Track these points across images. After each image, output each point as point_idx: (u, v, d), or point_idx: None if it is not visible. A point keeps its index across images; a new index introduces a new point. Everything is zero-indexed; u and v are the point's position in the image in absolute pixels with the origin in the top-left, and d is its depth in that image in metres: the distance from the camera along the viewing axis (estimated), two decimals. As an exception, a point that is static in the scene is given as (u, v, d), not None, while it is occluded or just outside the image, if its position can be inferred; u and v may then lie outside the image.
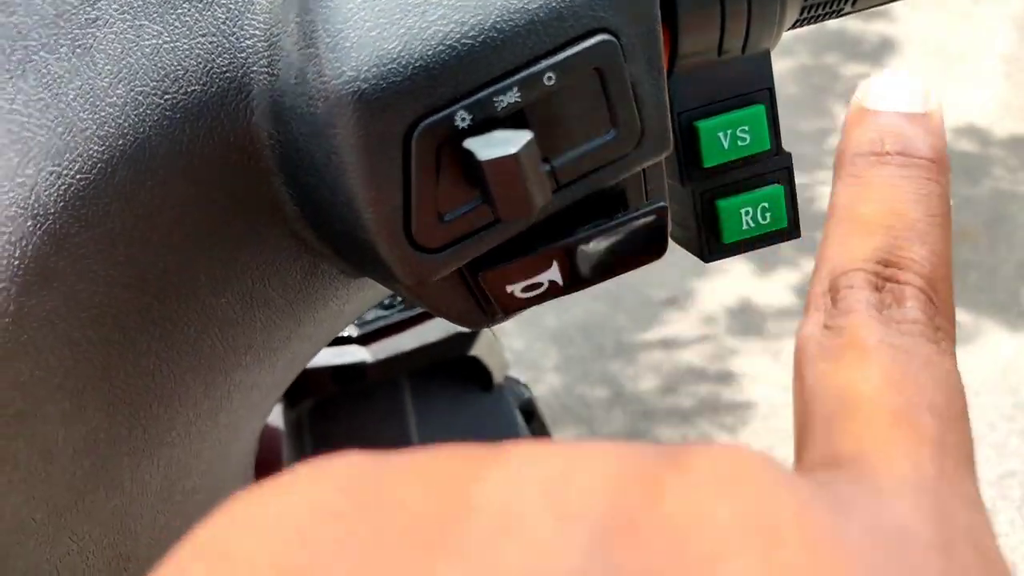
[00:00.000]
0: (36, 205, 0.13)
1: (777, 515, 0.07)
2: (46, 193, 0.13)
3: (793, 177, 0.19)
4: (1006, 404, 1.29)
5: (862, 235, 0.11)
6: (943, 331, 0.10)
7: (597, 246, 0.15)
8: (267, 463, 0.27)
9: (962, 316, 1.41)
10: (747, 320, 1.49)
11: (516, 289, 0.15)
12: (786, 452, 1.26)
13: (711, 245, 0.19)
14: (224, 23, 0.14)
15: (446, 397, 0.39)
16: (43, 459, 0.14)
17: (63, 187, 0.13)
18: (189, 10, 0.14)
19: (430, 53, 0.12)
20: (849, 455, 0.09)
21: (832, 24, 1.89)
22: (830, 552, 0.06)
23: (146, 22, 0.14)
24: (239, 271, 0.15)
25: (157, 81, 0.14)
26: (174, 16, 0.14)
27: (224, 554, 0.07)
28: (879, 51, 2.03)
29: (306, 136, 0.14)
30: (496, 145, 0.12)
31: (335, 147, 0.13)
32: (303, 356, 0.20)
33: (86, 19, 0.14)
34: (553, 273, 0.15)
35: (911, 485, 0.08)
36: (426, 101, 0.13)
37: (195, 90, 0.14)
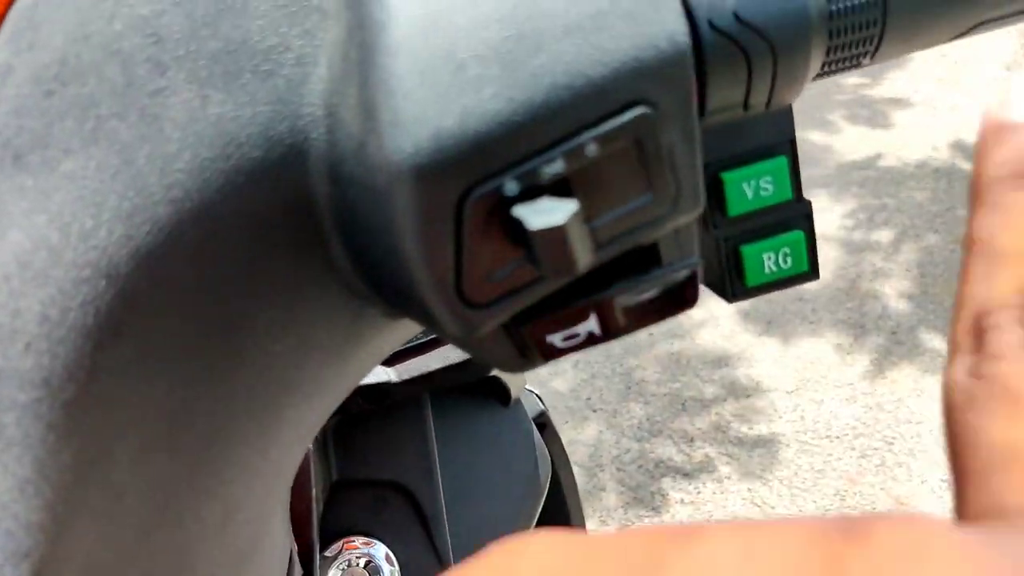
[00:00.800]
0: (109, 266, 0.14)
1: None
2: (118, 255, 0.14)
3: (813, 223, 0.20)
4: None
5: (1007, 269, 0.10)
6: None
7: (632, 299, 0.16)
8: (296, 479, 0.27)
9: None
10: (756, 317, 1.49)
11: (556, 339, 0.16)
12: (791, 452, 1.26)
13: (735, 288, 0.20)
14: (284, 92, 0.15)
15: (466, 413, 0.40)
16: (113, 502, 0.15)
17: (134, 248, 0.14)
18: (251, 80, 0.15)
19: (483, 128, 0.13)
20: (1015, 507, 0.08)
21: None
22: None
23: (211, 91, 0.15)
24: (295, 320, 0.16)
25: (221, 147, 0.15)
26: (237, 86, 0.15)
27: None
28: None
29: (364, 201, 0.14)
30: (544, 214, 0.13)
31: (393, 213, 0.14)
32: (345, 390, 0.20)
33: (154, 88, 0.14)
34: (591, 324, 0.16)
35: None
36: (478, 172, 0.13)
37: (257, 155, 0.15)
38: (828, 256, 1.60)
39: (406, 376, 0.36)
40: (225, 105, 0.14)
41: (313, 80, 0.15)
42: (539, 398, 0.48)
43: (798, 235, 0.19)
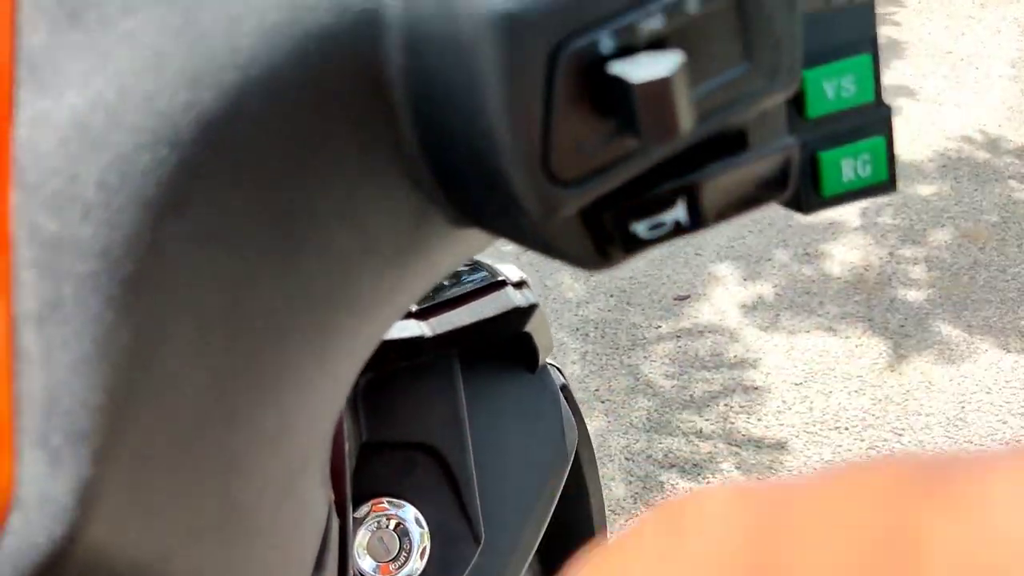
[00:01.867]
0: (172, 133, 0.13)
1: None
2: (182, 121, 0.13)
3: (892, 129, 0.19)
4: (1018, 399, 1.30)
5: None
6: None
7: (724, 183, 0.15)
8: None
9: (963, 329, 1.41)
10: (760, 315, 1.48)
11: (641, 228, 0.15)
12: (800, 444, 1.25)
13: (810, 198, 0.18)
14: None
15: (494, 376, 0.39)
16: (171, 390, 0.14)
17: (198, 115, 0.13)
18: None
19: None
20: None
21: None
22: None
23: None
24: (357, 208, 0.15)
25: (290, 10, 0.13)
26: None
27: None
28: (885, 55, 2.03)
29: (444, 64, 0.13)
30: (647, 67, 0.12)
31: (477, 71, 0.13)
32: (397, 311, 0.19)
33: None
34: (679, 212, 0.15)
35: None
36: (573, 23, 0.12)
37: (327, 20, 0.14)
38: (835, 249, 1.60)
39: (439, 330, 0.35)
40: None
41: None
42: (560, 371, 0.47)
43: (879, 141, 0.18)
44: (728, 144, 0.15)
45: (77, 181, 0.12)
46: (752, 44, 0.14)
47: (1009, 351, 1.35)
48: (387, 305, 0.18)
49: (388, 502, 0.34)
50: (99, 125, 0.13)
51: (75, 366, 0.12)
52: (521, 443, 0.39)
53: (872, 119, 0.18)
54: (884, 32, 2.01)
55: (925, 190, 1.71)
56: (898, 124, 1.87)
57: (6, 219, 0.12)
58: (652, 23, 0.13)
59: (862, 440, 1.27)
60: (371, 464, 0.35)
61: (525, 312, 0.37)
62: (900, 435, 1.27)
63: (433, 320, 0.35)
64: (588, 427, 0.47)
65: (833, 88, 0.18)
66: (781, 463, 1.24)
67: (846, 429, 1.29)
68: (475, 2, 0.12)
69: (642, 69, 0.12)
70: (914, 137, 1.82)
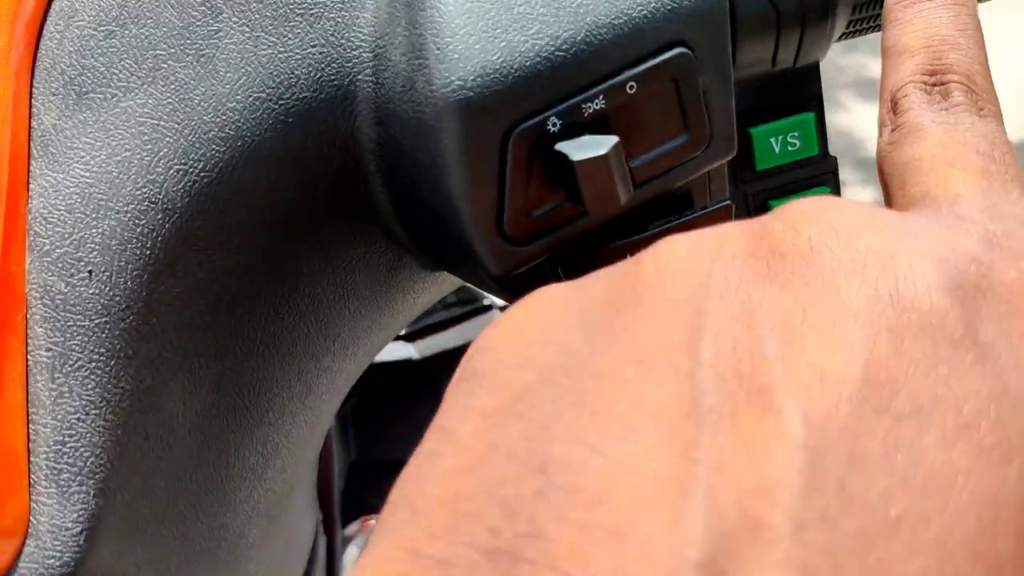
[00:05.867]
0: (166, 200, 0.14)
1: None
2: (174, 189, 0.15)
3: (839, 180, 0.20)
4: None
5: (907, 58, 0.13)
6: (986, 108, 0.12)
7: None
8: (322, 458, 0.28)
9: None
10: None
11: None
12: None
13: None
14: (332, 35, 0.15)
15: None
16: (166, 431, 0.15)
17: (189, 184, 0.15)
18: (301, 24, 0.15)
19: (528, 64, 0.14)
20: (919, 197, 0.11)
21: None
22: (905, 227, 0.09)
23: (262, 34, 0.15)
24: (336, 262, 0.17)
25: (272, 88, 0.15)
26: (287, 28, 0.15)
27: None
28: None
29: (410, 139, 0.15)
30: (587, 148, 0.14)
31: (439, 148, 0.14)
32: (378, 345, 0.21)
33: (209, 31, 0.15)
34: None
35: (965, 195, 0.10)
36: (523, 107, 0.14)
37: (306, 96, 0.15)
38: None
39: (427, 352, 0.36)
40: (276, 47, 0.15)
41: (360, 23, 0.15)
42: None
43: (825, 191, 0.20)
44: (675, 203, 0.17)
45: (82, 246, 0.14)
46: (689, 117, 0.15)
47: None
48: (366, 344, 0.20)
49: (377, 519, 0.35)
50: (102, 195, 0.14)
51: (82, 411, 0.14)
52: None
53: (819, 171, 0.20)
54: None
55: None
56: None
57: (22, 280, 0.14)
58: (595, 105, 0.14)
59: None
60: (361, 483, 0.36)
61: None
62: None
63: (421, 343, 0.37)
64: None
65: (779, 143, 0.19)
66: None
67: None
68: (436, 87, 0.14)
69: (583, 150, 0.14)
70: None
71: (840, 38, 0.20)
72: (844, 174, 1.70)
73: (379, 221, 0.17)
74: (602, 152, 0.14)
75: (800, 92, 0.19)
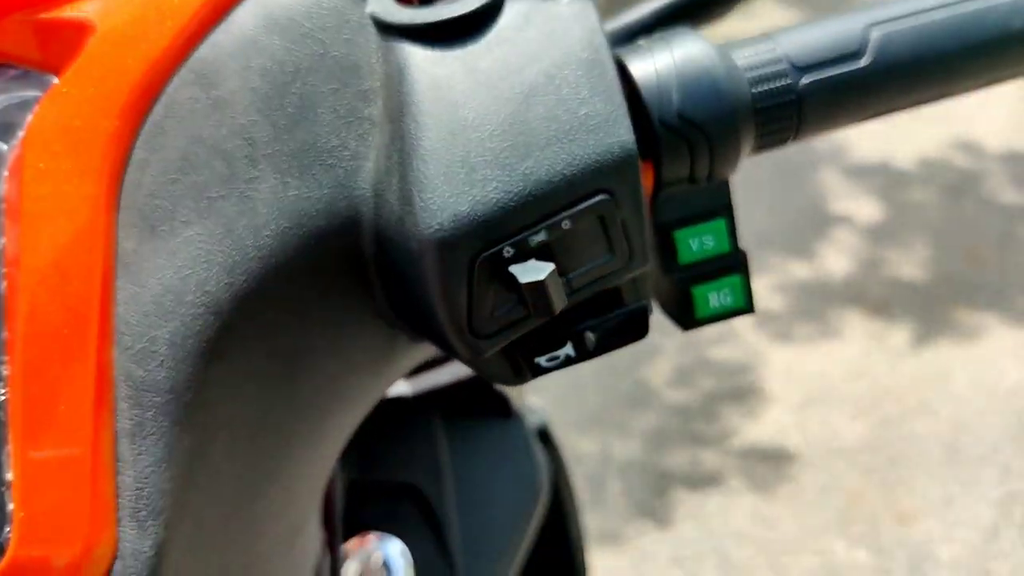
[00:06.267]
0: (216, 306, 0.19)
1: None
2: (222, 297, 0.19)
3: (748, 269, 0.25)
4: (1011, 424, 1.27)
5: None
6: None
7: (599, 330, 0.21)
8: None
9: (972, 336, 1.42)
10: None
11: (542, 360, 0.21)
12: (796, 468, 1.27)
13: (687, 319, 0.25)
14: (343, 180, 0.20)
15: (472, 422, 0.44)
16: (214, 480, 0.20)
17: (234, 293, 0.19)
18: (319, 170, 0.20)
19: (488, 212, 0.19)
20: None
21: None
22: None
23: (290, 180, 0.20)
24: (343, 344, 0.22)
25: (297, 218, 0.20)
26: (309, 175, 0.20)
27: None
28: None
29: (401, 259, 0.20)
30: (531, 272, 0.19)
31: (422, 270, 0.19)
32: (375, 399, 0.26)
33: (249, 178, 0.20)
34: (568, 349, 0.21)
35: None
36: (484, 242, 0.19)
37: (322, 224, 0.20)
38: (838, 265, 1.61)
39: (420, 389, 0.41)
40: (300, 189, 0.20)
41: (364, 171, 0.20)
42: (541, 412, 0.52)
43: (736, 278, 0.24)
44: (607, 299, 0.21)
45: (155, 342, 0.19)
46: (613, 242, 0.20)
47: (1007, 376, 1.35)
48: (367, 401, 0.25)
49: (375, 536, 0.39)
50: (169, 303, 0.19)
51: (154, 466, 0.18)
52: (497, 484, 0.44)
53: (731, 262, 0.24)
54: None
55: (921, 197, 1.69)
56: (896, 127, 1.85)
57: (111, 368, 0.19)
58: (539, 237, 0.19)
59: (857, 464, 1.29)
60: (359, 501, 0.40)
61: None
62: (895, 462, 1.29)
63: (415, 380, 0.41)
64: (589, 443, 0.50)
65: (697, 243, 0.24)
66: (778, 487, 1.26)
67: (843, 453, 1.30)
68: (421, 228, 0.19)
69: (527, 273, 0.19)
70: (917, 142, 1.78)
71: (751, 154, 0.25)
72: (830, 182, 1.70)
73: (377, 311, 0.22)
74: (541, 277, 0.19)
75: (714, 202, 0.24)
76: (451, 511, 0.40)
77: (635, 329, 0.22)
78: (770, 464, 1.30)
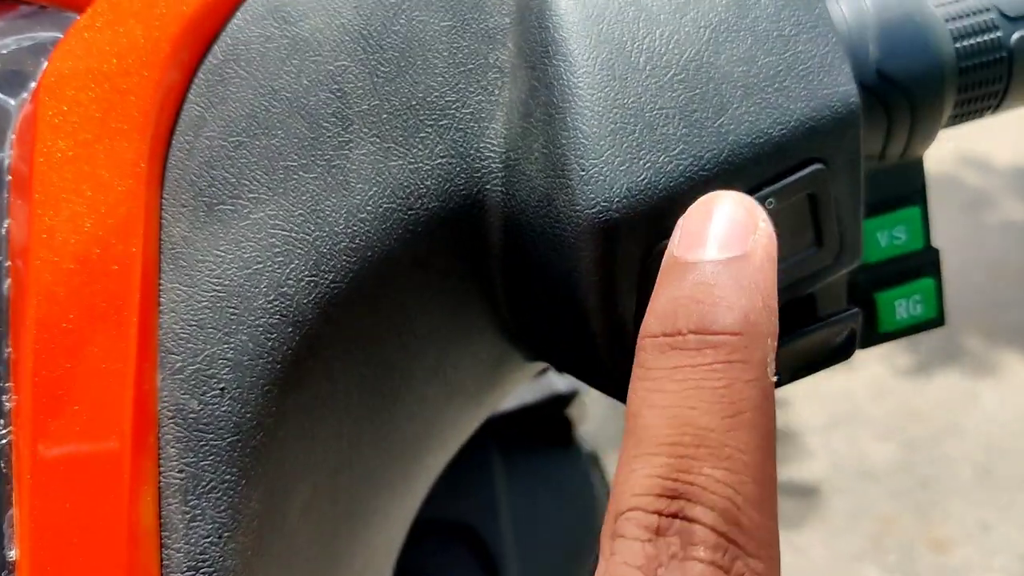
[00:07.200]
0: (295, 313, 0.14)
1: None
2: (304, 302, 0.14)
3: (941, 270, 0.20)
4: None
5: (644, 457, 0.08)
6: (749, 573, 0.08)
7: (796, 350, 0.16)
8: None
9: (997, 355, 1.39)
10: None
11: None
12: (824, 493, 1.23)
13: (867, 334, 0.20)
14: (461, 146, 0.15)
15: (529, 451, 0.40)
16: (288, 547, 0.15)
17: (319, 296, 0.14)
18: (431, 135, 0.15)
19: (672, 185, 0.14)
20: None
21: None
22: None
23: (393, 145, 0.15)
24: (447, 362, 0.17)
25: (403, 198, 0.15)
26: (417, 140, 0.15)
27: None
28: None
29: (541, 251, 0.15)
30: None
31: (576, 264, 0.14)
32: (466, 436, 0.21)
33: (340, 142, 0.15)
34: None
35: None
36: (666, 227, 0.14)
37: (435, 207, 0.15)
38: None
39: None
40: (406, 157, 0.15)
41: (489, 135, 0.15)
42: (586, 441, 0.47)
43: (929, 282, 0.19)
44: (799, 311, 0.16)
45: (214, 362, 0.14)
46: (822, 230, 0.15)
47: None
48: (461, 435, 0.19)
49: None
50: (233, 309, 0.14)
51: (215, 534, 0.13)
52: (555, 521, 0.40)
53: (922, 262, 0.19)
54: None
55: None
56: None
57: (154, 399, 0.14)
58: None
59: (888, 488, 1.26)
60: (410, 542, 0.36)
61: (567, 398, 0.38)
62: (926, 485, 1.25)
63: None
64: (612, 463, 0.47)
65: (886, 237, 0.19)
66: (806, 514, 1.22)
67: (872, 476, 1.27)
68: (580, 207, 0.14)
69: None
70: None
71: (944, 126, 0.20)
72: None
73: (494, 321, 0.17)
74: None
75: (906, 185, 0.19)
76: (508, 553, 0.36)
77: (843, 347, 0.16)
78: (795, 489, 1.25)
